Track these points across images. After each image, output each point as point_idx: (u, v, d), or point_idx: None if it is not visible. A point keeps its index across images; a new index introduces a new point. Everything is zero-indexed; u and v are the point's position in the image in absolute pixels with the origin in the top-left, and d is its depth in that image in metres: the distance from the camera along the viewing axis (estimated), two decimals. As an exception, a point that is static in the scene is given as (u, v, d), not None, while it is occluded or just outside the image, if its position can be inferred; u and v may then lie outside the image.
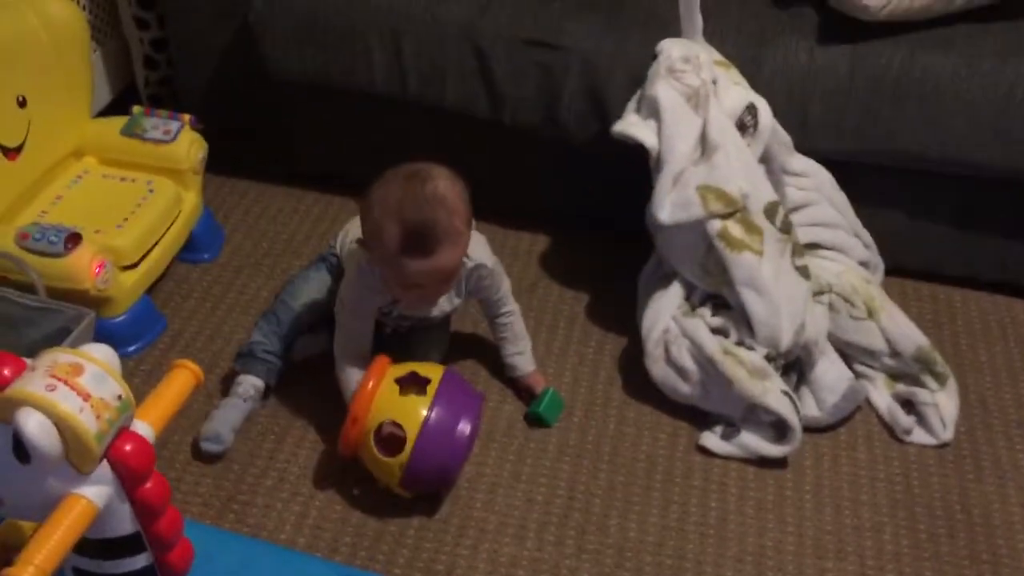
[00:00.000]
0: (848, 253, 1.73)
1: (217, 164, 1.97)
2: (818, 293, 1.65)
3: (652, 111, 1.60)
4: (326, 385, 1.55)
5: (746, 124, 1.62)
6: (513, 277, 1.79)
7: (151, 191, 1.75)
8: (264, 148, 2.01)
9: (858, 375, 1.66)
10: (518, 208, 1.96)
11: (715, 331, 1.60)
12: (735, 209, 1.55)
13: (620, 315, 1.75)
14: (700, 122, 1.59)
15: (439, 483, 1.43)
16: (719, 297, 1.64)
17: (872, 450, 1.60)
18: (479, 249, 1.51)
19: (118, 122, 1.82)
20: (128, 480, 0.96)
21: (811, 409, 1.61)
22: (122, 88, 2.15)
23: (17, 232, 1.56)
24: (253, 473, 1.50)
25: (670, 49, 1.63)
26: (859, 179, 1.76)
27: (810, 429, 1.61)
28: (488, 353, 1.69)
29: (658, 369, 1.61)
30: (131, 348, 1.67)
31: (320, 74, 1.79)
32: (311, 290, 1.63)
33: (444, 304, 1.55)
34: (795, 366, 1.64)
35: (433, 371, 1.44)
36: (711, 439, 1.58)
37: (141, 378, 1.63)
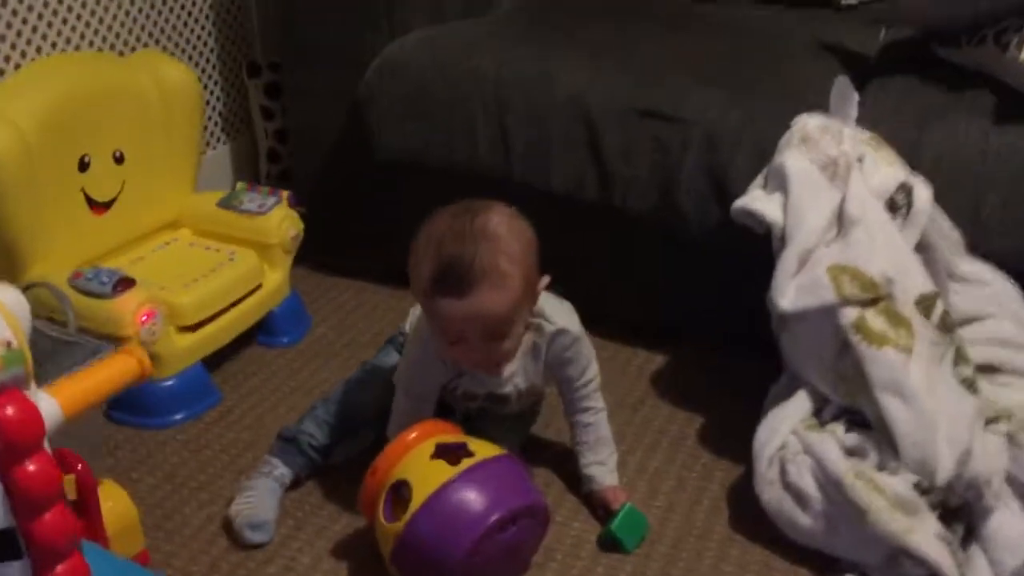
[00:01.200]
0: (1037, 382, 1.35)
1: (319, 255, 1.88)
2: (993, 420, 1.27)
3: (779, 183, 1.35)
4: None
5: (898, 204, 1.33)
6: (617, 394, 1.55)
7: (231, 259, 1.64)
8: (368, 238, 1.88)
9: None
10: (631, 320, 1.71)
11: (849, 453, 1.25)
12: (876, 296, 1.25)
13: (741, 442, 1.43)
14: (837, 196, 1.32)
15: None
16: (858, 414, 1.30)
17: (1069, 639, 1.16)
18: (563, 315, 1.29)
19: (218, 195, 1.76)
20: (1, 451, 0.76)
21: (982, 571, 1.21)
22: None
23: (73, 271, 1.47)
24: (258, 557, 1.26)
25: (807, 120, 1.39)
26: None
27: (979, 600, 1.20)
28: (568, 463, 1.40)
29: (771, 493, 1.27)
30: (176, 416, 1.51)
31: (422, 151, 1.66)
32: (377, 382, 1.42)
33: (517, 379, 1.30)
34: (961, 515, 1.25)
35: (487, 450, 1.18)
36: (837, 591, 1.20)
37: (174, 449, 1.45)
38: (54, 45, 1.70)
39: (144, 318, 1.43)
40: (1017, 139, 1.37)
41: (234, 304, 1.61)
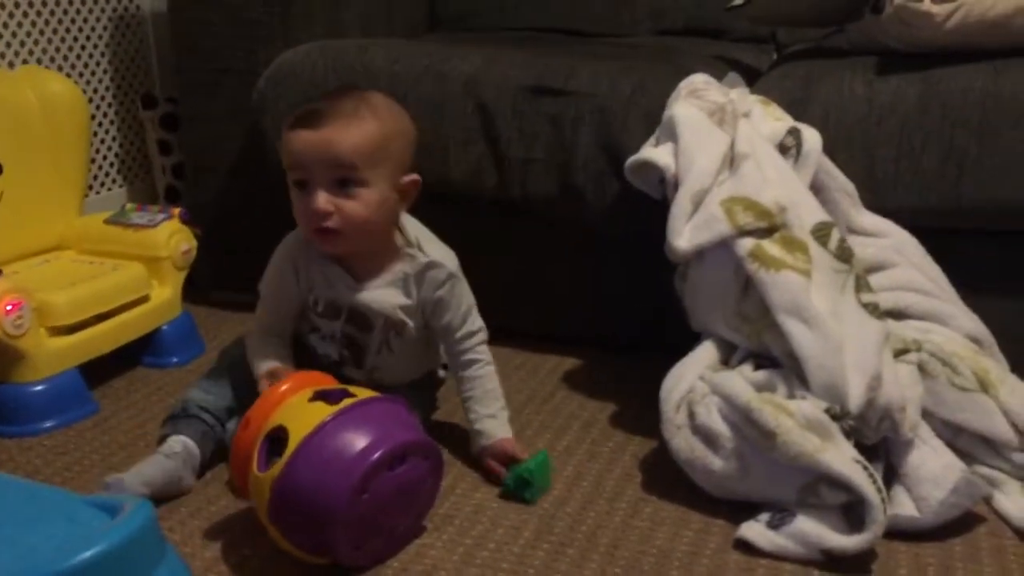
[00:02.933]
0: (948, 324, 1.31)
1: (215, 289, 1.81)
2: (902, 351, 1.22)
3: (668, 133, 1.33)
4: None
5: (787, 146, 1.31)
6: (527, 392, 1.48)
7: (114, 269, 1.56)
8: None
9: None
10: (540, 330, 1.66)
11: (758, 389, 1.18)
12: (771, 224, 1.21)
13: (653, 425, 1.34)
14: (727, 139, 1.30)
15: (315, 527, 0.99)
16: (765, 357, 1.24)
17: (1006, 568, 1.08)
18: (440, 252, 1.27)
19: (105, 214, 1.69)
20: None
21: (905, 508, 1.13)
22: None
23: (-65, 266, 1.38)
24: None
25: (693, 76, 1.40)
26: (953, 251, 1.38)
27: (908, 536, 1.12)
28: (467, 442, 1.30)
29: (679, 439, 1.19)
30: (46, 423, 1.39)
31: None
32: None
33: (379, 296, 1.23)
34: (879, 454, 1.18)
35: (369, 393, 1.09)
36: (754, 529, 1.11)
37: (39, 453, 1.33)
38: (-68, 54, 1.66)
39: (9, 307, 1.33)
40: (902, 88, 1.38)
41: (116, 313, 1.52)
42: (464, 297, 1.27)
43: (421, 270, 1.24)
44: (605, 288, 1.62)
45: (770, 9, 1.70)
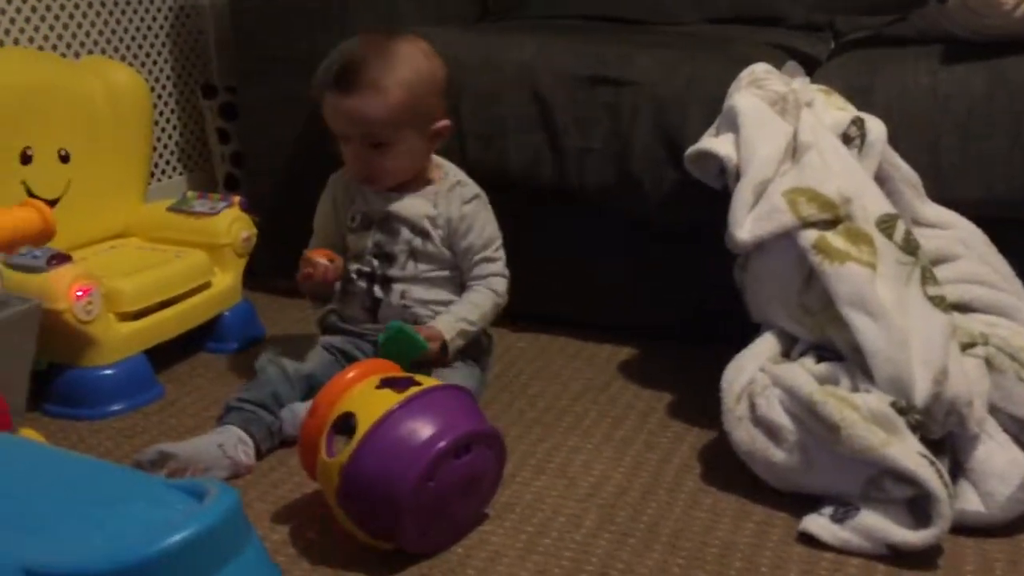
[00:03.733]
0: (1015, 318, 1.29)
1: (274, 277, 1.83)
2: (969, 345, 1.21)
3: (730, 123, 1.32)
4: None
5: (851, 136, 1.30)
6: (582, 380, 1.48)
7: (177, 256, 1.59)
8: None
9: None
10: (594, 319, 1.67)
11: (821, 382, 1.18)
12: (835, 216, 1.20)
13: (712, 415, 1.34)
14: (789, 129, 1.29)
15: (382, 513, 1.01)
16: (828, 350, 1.23)
17: (1076, 564, 1.07)
18: (466, 178, 1.40)
19: (167, 202, 1.72)
20: None
21: (972, 503, 1.12)
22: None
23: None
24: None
25: (754, 66, 1.39)
26: (1019, 243, 1.35)
27: (975, 531, 1.11)
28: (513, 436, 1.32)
29: (741, 431, 1.19)
30: (115, 407, 1.42)
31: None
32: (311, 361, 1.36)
33: (407, 204, 1.36)
34: (944, 448, 1.17)
35: (434, 382, 1.11)
36: (817, 522, 1.11)
37: (108, 435, 1.36)
38: (0, 43, 1.69)
39: (79, 293, 1.36)
40: (967, 77, 1.36)
41: (180, 299, 1.55)
42: (488, 224, 1.37)
43: (450, 186, 1.36)
44: (660, 277, 1.62)
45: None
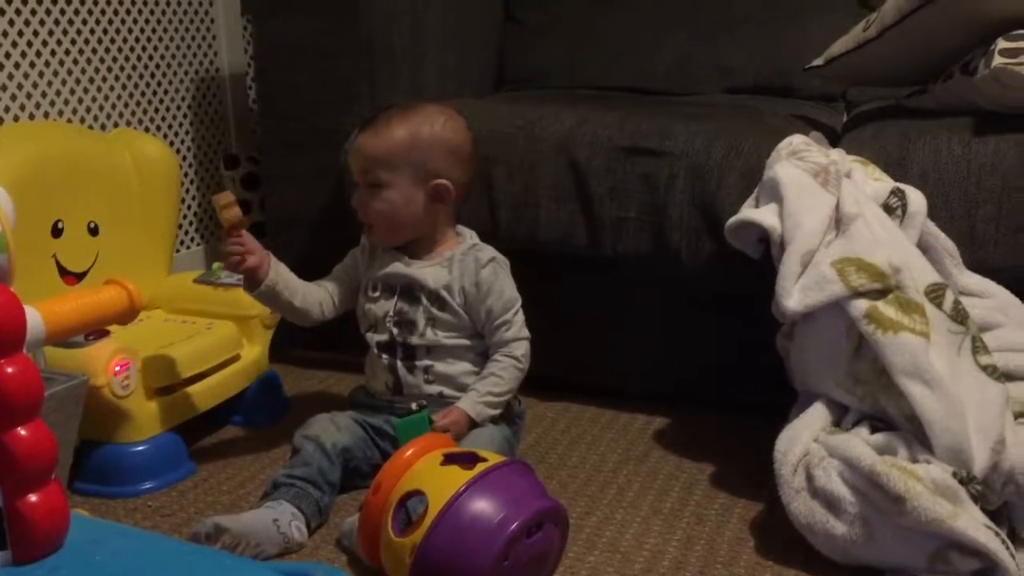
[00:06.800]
0: (1058, 387, 1.30)
1: (299, 347, 1.82)
2: (1019, 415, 1.21)
3: (772, 194, 1.34)
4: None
5: (892, 207, 1.32)
6: (619, 450, 1.48)
7: (208, 329, 1.57)
8: (349, 327, 1.82)
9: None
10: (628, 386, 1.66)
11: (878, 452, 1.17)
12: (885, 286, 1.21)
13: (756, 487, 1.35)
14: (832, 200, 1.30)
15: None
16: (880, 419, 1.23)
17: None
18: (481, 243, 1.43)
19: (194, 274, 1.71)
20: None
21: (1034, 573, 1.11)
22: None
23: (43, 327, 1.39)
24: None
25: (792, 137, 1.41)
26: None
27: (1038, 603, 1.10)
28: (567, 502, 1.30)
29: (799, 504, 1.18)
30: (148, 484, 1.39)
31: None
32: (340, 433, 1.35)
33: (430, 271, 1.38)
34: (1002, 519, 1.17)
35: (496, 457, 1.10)
36: (884, 596, 1.09)
37: (145, 514, 1.33)
38: (31, 116, 1.69)
39: (118, 368, 1.34)
40: (1001, 148, 1.38)
41: (210, 373, 1.53)
42: (507, 288, 1.38)
43: (466, 251, 1.38)
44: (692, 344, 1.62)
45: (851, 70, 1.71)
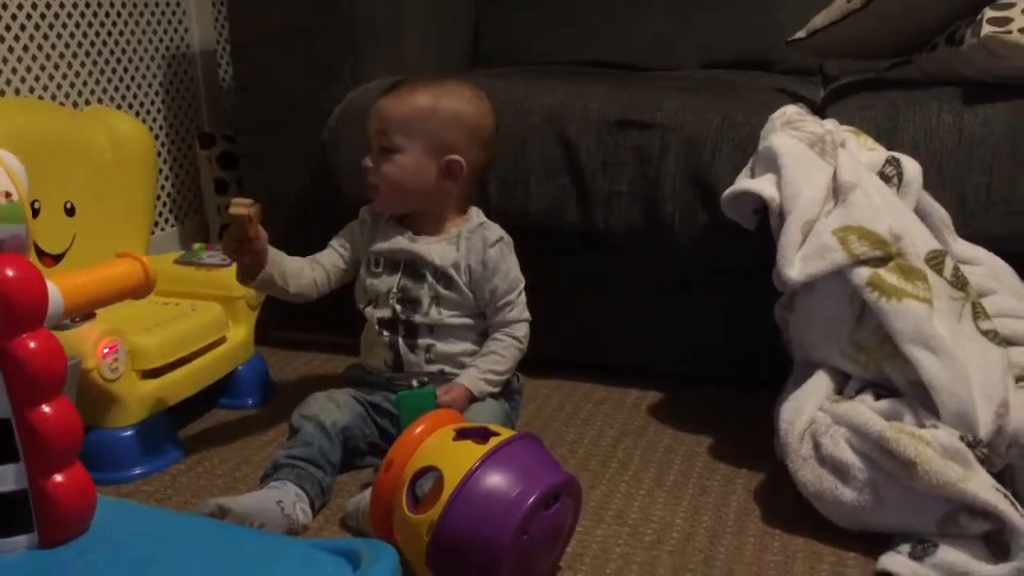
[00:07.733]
0: (1053, 352, 1.31)
1: (281, 329, 1.79)
2: (1020, 379, 1.23)
3: (768, 164, 1.33)
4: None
5: (888, 175, 1.33)
6: (617, 425, 1.47)
7: (193, 310, 1.53)
8: (330, 308, 1.78)
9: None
10: (619, 363, 1.66)
11: (886, 419, 1.18)
12: (887, 253, 1.21)
13: (757, 456, 1.36)
14: (829, 170, 1.30)
15: (479, 566, 0.97)
16: (883, 386, 1.24)
17: None
18: (489, 221, 1.41)
19: (174, 254, 1.66)
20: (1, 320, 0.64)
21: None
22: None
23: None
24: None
25: (786, 108, 1.41)
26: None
27: (1043, 562, 1.11)
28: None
29: (807, 472, 1.18)
30: (137, 470, 1.36)
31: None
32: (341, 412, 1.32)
33: (437, 248, 1.36)
34: (1004, 481, 1.18)
35: (508, 431, 1.08)
36: (896, 560, 1.10)
37: (139, 500, 1.29)
38: (2, 92, 1.63)
39: (106, 351, 1.30)
40: (991, 116, 1.39)
41: (198, 355, 1.49)
42: (513, 268, 1.37)
43: (473, 229, 1.36)
44: (683, 323, 1.62)
45: (834, 41, 1.72)
